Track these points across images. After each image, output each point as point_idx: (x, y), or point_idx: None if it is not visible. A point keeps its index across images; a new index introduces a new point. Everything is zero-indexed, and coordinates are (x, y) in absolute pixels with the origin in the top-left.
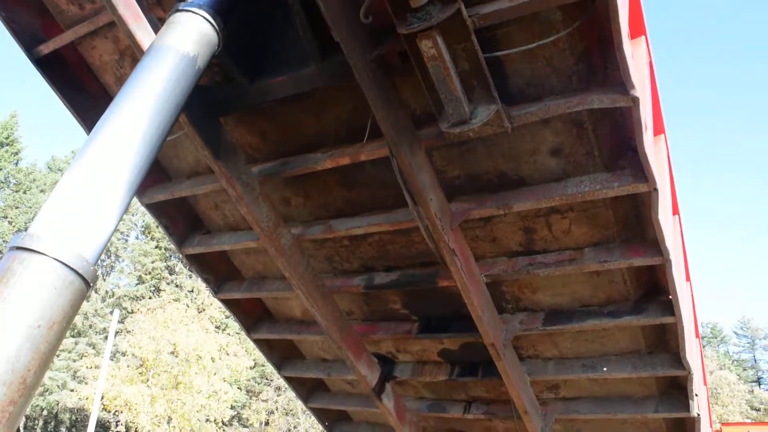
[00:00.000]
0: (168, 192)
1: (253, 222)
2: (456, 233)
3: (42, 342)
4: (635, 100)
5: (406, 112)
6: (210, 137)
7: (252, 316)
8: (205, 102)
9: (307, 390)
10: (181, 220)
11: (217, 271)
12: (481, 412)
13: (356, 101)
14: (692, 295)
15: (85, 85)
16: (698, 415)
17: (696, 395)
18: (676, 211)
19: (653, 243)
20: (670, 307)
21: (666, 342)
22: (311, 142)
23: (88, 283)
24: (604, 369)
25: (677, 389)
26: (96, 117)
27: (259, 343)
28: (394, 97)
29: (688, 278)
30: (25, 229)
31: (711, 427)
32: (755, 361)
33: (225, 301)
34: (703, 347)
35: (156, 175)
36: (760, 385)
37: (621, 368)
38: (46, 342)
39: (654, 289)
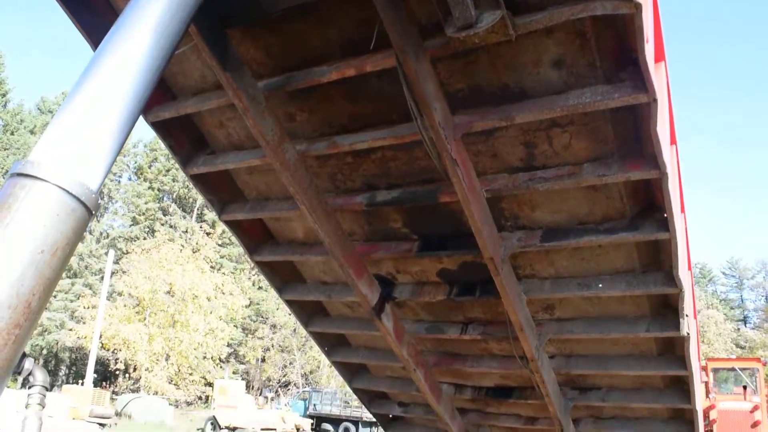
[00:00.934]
0: (173, 109)
1: (258, 135)
2: (458, 145)
3: (45, 268)
4: (638, 7)
5: (412, 22)
6: (218, 49)
7: (254, 238)
8: (213, 15)
9: (307, 314)
10: (185, 140)
11: (220, 193)
12: (478, 332)
13: (361, 13)
14: (686, 228)
15: (92, 1)
16: (687, 334)
17: (687, 315)
18: (673, 141)
19: (651, 157)
20: (665, 224)
21: (660, 261)
22: (316, 56)
23: (90, 211)
24: (599, 286)
25: (668, 309)
26: (102, 33)
27: (261, 265)
28: (400, 3)
29: (682, 210)
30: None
31: (699, 360)
32: (742, 300)
33: (228, 223)
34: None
35: (161, 93)
36: (746, 323)
37: (615, 286)
38: (50, 268)
39: (650, 207)
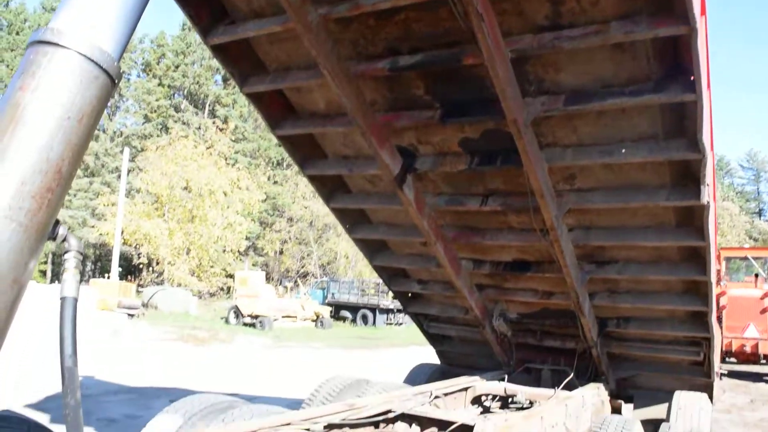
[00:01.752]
0: None
1: None
2: (484, 0)
3: (73, 134)
4: None
5: None
6: None
7: (276, 112)
8: None
9: (328, 191)
10: (205, 10)
11: (241, 65)
12: (498, 204)
13: None
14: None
15: None
16: (708, 203)
17: (708, 184)
18: (703, 12)
19: (681, 14)
20: (691, 86)
21: (683, 128)
22: None
23: (113, 80)
24: (622, 152)
25: (689, 179)
26: None
27: (283, 140)
28: None
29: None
30: None
31: (716, 249)
32: (758, 193)
33: (250, 96)
34: None
35: None
36: (761, 216)
37: (637, 152)
38: (77, 135)
39: (676, 69)
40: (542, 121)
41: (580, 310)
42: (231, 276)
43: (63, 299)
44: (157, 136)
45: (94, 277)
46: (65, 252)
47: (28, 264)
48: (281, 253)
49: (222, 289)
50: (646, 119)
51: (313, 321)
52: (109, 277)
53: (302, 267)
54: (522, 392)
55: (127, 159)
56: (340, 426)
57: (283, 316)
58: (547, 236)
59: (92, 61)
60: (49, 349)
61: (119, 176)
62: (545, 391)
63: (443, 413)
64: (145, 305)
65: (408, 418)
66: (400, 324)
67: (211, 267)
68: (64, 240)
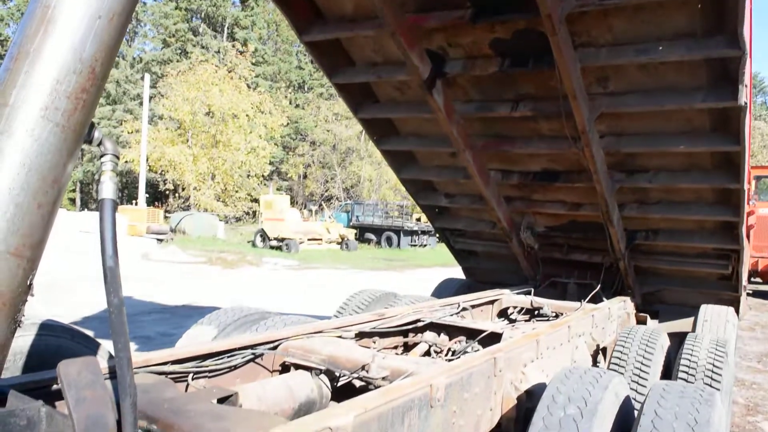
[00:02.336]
0: None
1: None
2: None
3: (105, 34)
4: None
5: None
6: None
7: (303, 17)
8: None
9: (356, 101)
10: None
11: None
12: (528, 109)
13: None
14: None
15: None
16: (745, 104)
17: (746, 85)
18: None
19: None
20: None
21: (723, 24)
22: None
23: None
24: (659, 49)
25: (726, 81)
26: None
27: (310, 47)
28: None
29: None
30: None
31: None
32: None
33: (276, 0)
34: None
35: None
36: None
37: (674, 51)
38: (108, 34)
39: None
40: (576, 19)
41: (609, 221)
42: (256, 200)
43: (102, 201)
44: (177, 61)
45: (122, 204)
46: (102, 155)
47: (66, 165)
48: (305, 177)
49: (247, 213)
50: (685, 15)
51: (338, 243)
52: (136, 204)
53: (326, 191)
54: (548, 305)
55: (148, 85)
56: (370, 334)
57: (308, 239)
58: (578, 142)
59: None
60: (77, 274)
61: (141, 103)
62: (571, 304)
63: (471, 323)
64: (173, 230)
65: (436, 327)
66: (425, 246)
67: (236, 192)
68: (100, 143)
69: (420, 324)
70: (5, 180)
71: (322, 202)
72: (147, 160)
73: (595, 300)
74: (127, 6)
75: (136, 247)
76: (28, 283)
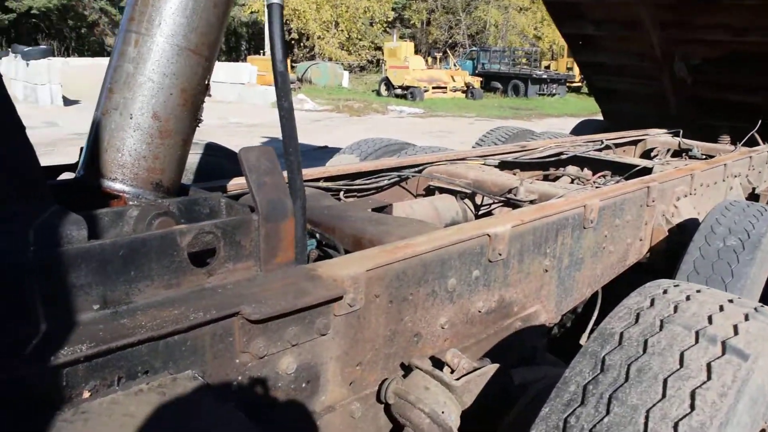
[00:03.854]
0: None
1: None
2: None
3: None
4: None
5: None
6: None
7: None
8: None
9: None
10: None
11: None
12: None
13: None
14: None
15: None
16: None
17: None
18: None
19: None
20: None
21: None
22: None
23: None
24: None
25: None
26: None
27: None
28: None
29: None
30: None
31: None
32: None
33: None
34: None
35: None
36: None
37: None
38: None
39: None
40: None
41: None
42: (379, 48)
43: (269, 6)
44: None
45: (248, 54)
46: None
47: None
48: (428, 24)
49: (371, 62)
50: None
51: (463, 92)
52: (264, 54)
53: (450, 37)
54: (698, 146)
55: None
56: (512, 165)
57: (432, 87)
58: None
59: None
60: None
61: None
62: (724, 147)
63: (618, 157)
64: (299, 80)
65: (580, 161)
66: (554, 95)
67: (360, 40)
68: None
69: (563, 157)
70: None
71: (447, 50)
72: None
73: (751, 144)
74: None
75: (266, 95)
76: (206, 82)
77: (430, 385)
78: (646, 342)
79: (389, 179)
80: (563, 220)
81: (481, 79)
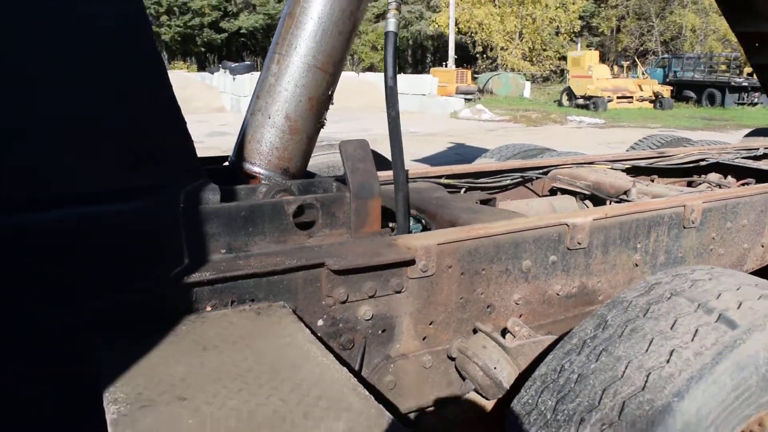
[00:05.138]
0: None
1: None
2: None
3: None
4: None
5: None
6: None
7: None
8: None
9: None
10: None
11: None
12: None
13: None
14: None
15: None
16: None
17: None
18: None
19: None
20: None
21: None
22: None
23: None
24: None
25: None
26: None
27: None
28: None
29: None
30: None
31: None
32: None
33: None
34: None
35: None
36: None
37: None
38: None
39: None
40: None
41: None
42: (564, 58)
43: (387, 33)
44: None
45: (433, 66)
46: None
47: (360, 1)
48: (618, 31)
49: (555, 72)
50: None
51: (650, 102)
52: (446, 66)
53: (641, 45)
54: None
55: None
56: (647, 170)
57: (617, 97)
58: None
59: None
60: None
61: None
62: None
63: (765, 165)
64: (480, 90)
65: (723, 168)
66: (755, 104)
67: (544, 50)
68: None
69: (703, 163)
70: (315, 10)
71: (636, 58)
72: (456, 23)
73: None
74: None
75: (445, 106)
76: (330, 93)
77: (487, 345)
78: (648, 308)
79: (512, 179)
80: (657, 218)
81: (671, 88)
